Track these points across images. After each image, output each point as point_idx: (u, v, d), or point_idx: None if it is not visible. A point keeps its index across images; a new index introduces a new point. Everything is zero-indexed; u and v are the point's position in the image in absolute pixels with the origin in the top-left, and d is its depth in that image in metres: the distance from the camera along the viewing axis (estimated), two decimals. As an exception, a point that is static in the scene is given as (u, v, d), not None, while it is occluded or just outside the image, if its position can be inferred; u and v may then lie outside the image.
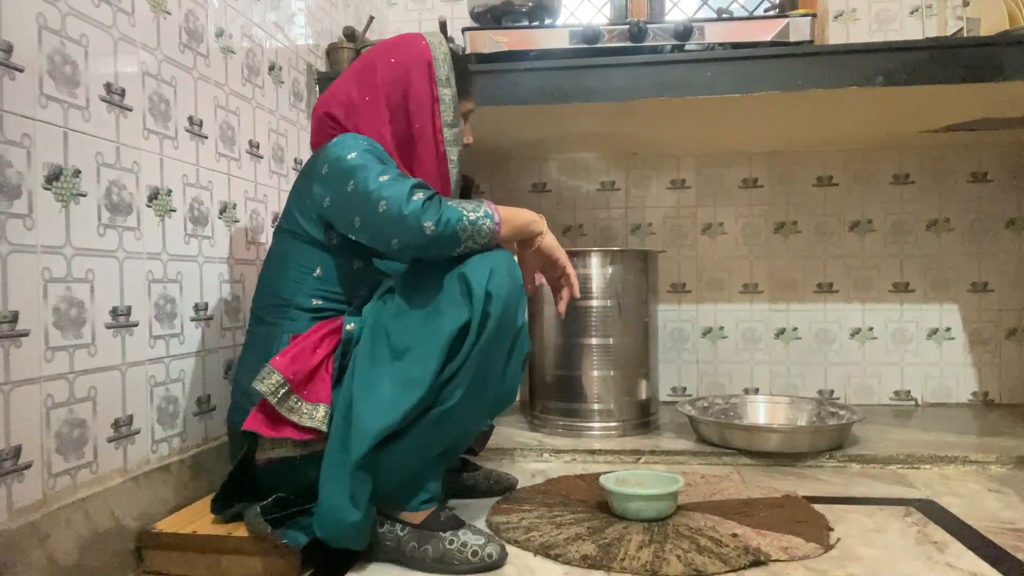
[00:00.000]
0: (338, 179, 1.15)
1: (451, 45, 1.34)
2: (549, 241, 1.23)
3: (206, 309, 1.40)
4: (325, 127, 1.28)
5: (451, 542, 1.11)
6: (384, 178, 1.11)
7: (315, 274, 1.20)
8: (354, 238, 1.16)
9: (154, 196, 1.24)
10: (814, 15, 1.75)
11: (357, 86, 1.28)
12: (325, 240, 1.20)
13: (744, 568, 1.10)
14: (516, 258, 1.27)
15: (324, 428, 1.09)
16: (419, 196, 1.09)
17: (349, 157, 1.15)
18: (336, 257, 1.21)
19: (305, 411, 1.09)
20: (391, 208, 1.08)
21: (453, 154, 1.30)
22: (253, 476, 1.17)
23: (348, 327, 1.15)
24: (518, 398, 2.41)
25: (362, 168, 1.13)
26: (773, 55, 1.69)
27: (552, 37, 1.80)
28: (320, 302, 1.20)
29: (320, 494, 1.08)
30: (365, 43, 1.93)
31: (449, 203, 1.10)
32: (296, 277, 1.20)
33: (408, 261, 1.17)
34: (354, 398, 1.07)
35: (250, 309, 1.29)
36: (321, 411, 1.09)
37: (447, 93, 1.28)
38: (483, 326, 1.07)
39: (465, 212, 1.10)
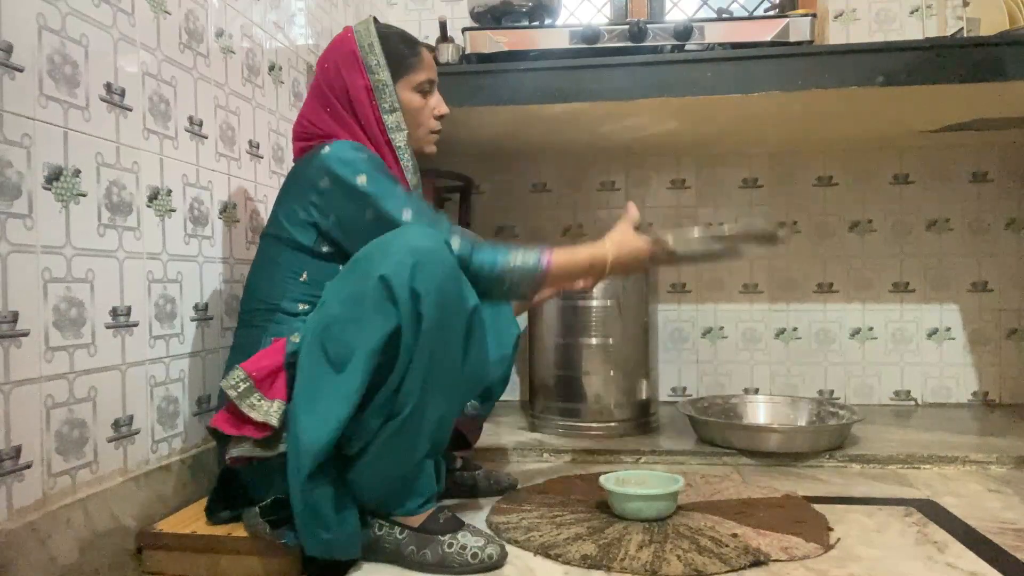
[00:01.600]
0: (349, 202, 1.14)
1: (385, 28, 1.30)
2: (621, 260, 1.22)
3: (206, 309, 1.40)
4: (305, 141, 1.28)
5: (450, 545, 1.10)
6: (407, 213, 1.14)
7: (301, 279, 1.19)
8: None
9: (154, 196, 1.24)
10: (814, 15, 1.76)
11: (317, 99, 1.28)
12: (314, 247, 1.19)
13: (744, 568, 1.10)
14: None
15: (274, 422, 1.07)
16: (456, 244, 1.12)
17: (359, 181, 1.14)
18: (323, 262, 1.20)
19: (264, 408, 1.08)
20: None
21: (398, 141, 1.27)
22: (238, 481, 1.17)
23: (293, 338, 1.12)
24: (517, 397, 2.42)
25: (377, 197, 1.15)
26: (773, 55, 1.69)
27: (552, 37, 1.80)
28: (306, 307, 1.19)
29: (292, 508, 1.07)
30: (365, 43, 1.92)
31: (490, 247, 1.15)
32: (282, 282, 1.19)
33: None
34: (297, 414, 1.05)
35: (238, 312, 1.28)
36: (275, 405, 1.08)
37: (379, 79, 1.25)
38: (417, 328, 1.03)
39: (511, 255, 1.14)
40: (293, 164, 1.30)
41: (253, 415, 1.08)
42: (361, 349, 1.02)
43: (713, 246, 1.28)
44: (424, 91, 1.31)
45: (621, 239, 1.23)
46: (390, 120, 1.26)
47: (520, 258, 1.16)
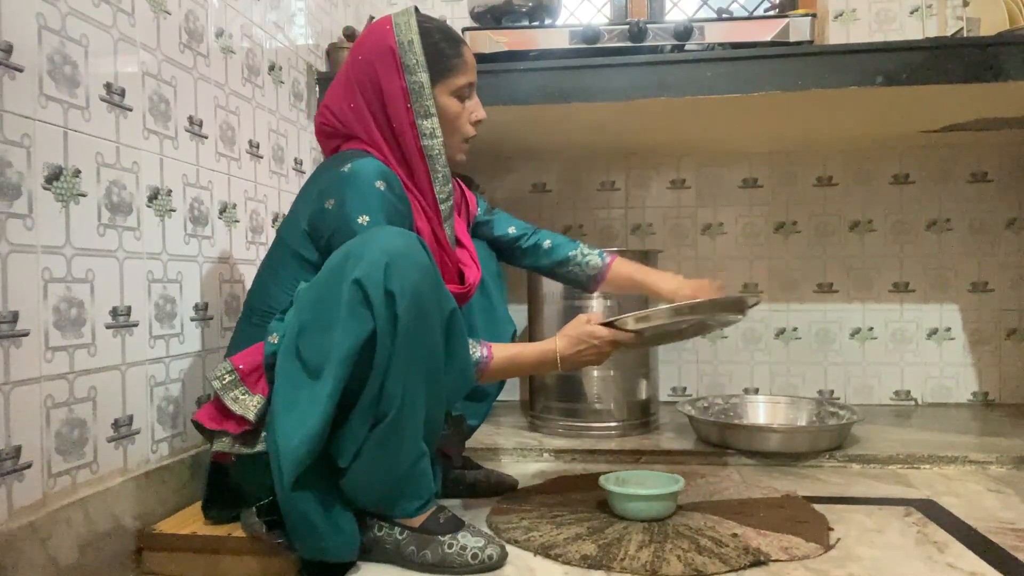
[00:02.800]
0: (342, 234, 1.11)
1: (427, 22, 1.23)
2: (572, 356, 1.23)
3: (206, 309, 1.40)
4: (328, 138, 1.27)
5: (450, 546, 1.10)
6: None
7: (300, 287, 1.18)
8: None
9: (154, 196, 1.24)
10: (814, 15, 1.76)
11: (343, 91, 1.23)
12: (313, 260, 1.18)
13: (744, 568, 1.10)
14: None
15: (251, 417, 1.07)
16: None
17: (359, 221, 1.11)
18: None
19: (245, 402, 1.08)
20: None
21: (431, 149, 1.21)
22: (229, 478, 1.17)
23: (271, 339, 1.10)
24: (517, 397, 2.42)
25: None
26: (773, 55, 1.69)
27: (552, 37, 1.81)
28: None
29: (282, 514, 1.06)
30: (365, 43, 1.93)
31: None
32: (286, 289, 1.18)
33: None
34: (275, 419, 1.04)
35: (244, 302, 1.27)
36: (256, 400, 1.08)
37: (416, 81, 1.19)
38: (394, 329, 1.01)
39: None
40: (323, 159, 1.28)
41: (235, 408, 1.07)
42: (335, 355, 1.00)
43: (680, 323, 1.27)
44: (463, 96, 1.25)
45: (575, 335, 1.23)
46: (425, 126, 1.20)
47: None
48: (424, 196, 1.23)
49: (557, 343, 1.23)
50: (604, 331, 1.22)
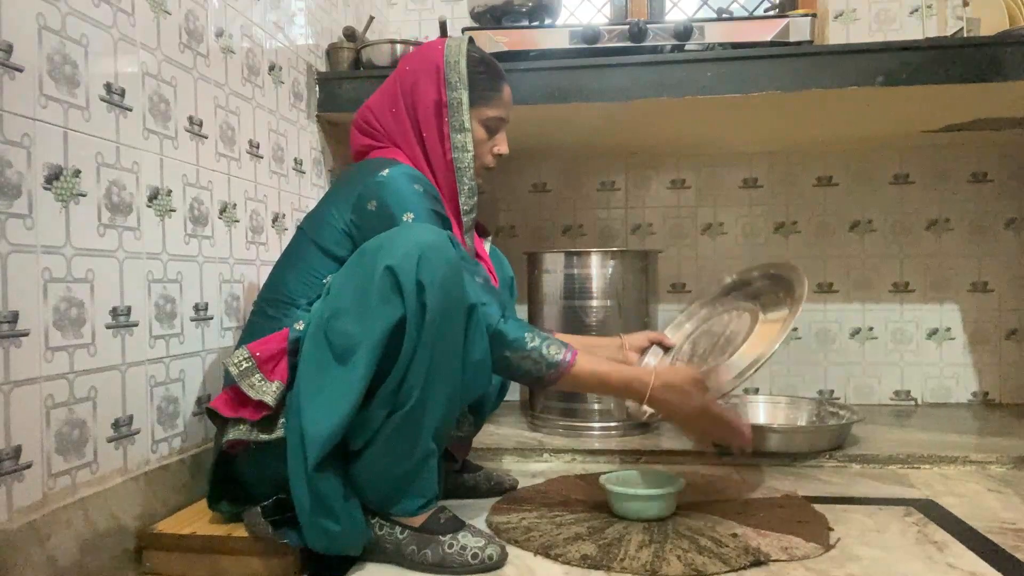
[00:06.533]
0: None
1: (476, 52, 1.31)
2: (663, 397, 1.19)
3: (206, 309, 1.40)
4: (365, 136, 1.30)
5: (450, 546, 1.10)
6: None
7: (324, 281, 1.18)
8: None
9: (154, 196, 1.24)
10: (814, 15, 1.76)
11: (387, 95, 1.29)
12: (345, 257, 1.18)
13: (744, 568, 1.10)
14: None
15: (270, 401, 1.07)
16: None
17: (404, 219, 1.13)
18: None
19: (263, 388, 1.09)
20: None
21: (461, 162, 1.27)
22: (233, 471, 1.17)
23: (297, 326, 1.12)
24: (518, 397, 2.41)
25: None
26: (773, 55, 1.69)
27: (552, 37, 1.81)
28: None
29: (294, 502, 1.06)
30: (365, 43, 1.93)
31: (516, 321, 1.14)
32: (305, 279, 1.19)
33: None
34: (300, 403, 1.05)
35: (255, 299, 1.27)
36: (275, 386, 1.08)
37: (455, 97, 1.26)
38: (421, 319, 1.03)
39: (533, 338, 1.14)
40: (351, 161, 1.32)
41: (252, 395, 1.08)
42: (366, 340, 1.02)
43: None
44: (492, 128, 1.31)
45: (677, 382, 1.19)
46: (458, 139, 1.26)
47: (540, 345, 1.14)
48: (449, 205, 1.27)
49: (653, 380, 1.19)
50: (713, 404, 1.22)
